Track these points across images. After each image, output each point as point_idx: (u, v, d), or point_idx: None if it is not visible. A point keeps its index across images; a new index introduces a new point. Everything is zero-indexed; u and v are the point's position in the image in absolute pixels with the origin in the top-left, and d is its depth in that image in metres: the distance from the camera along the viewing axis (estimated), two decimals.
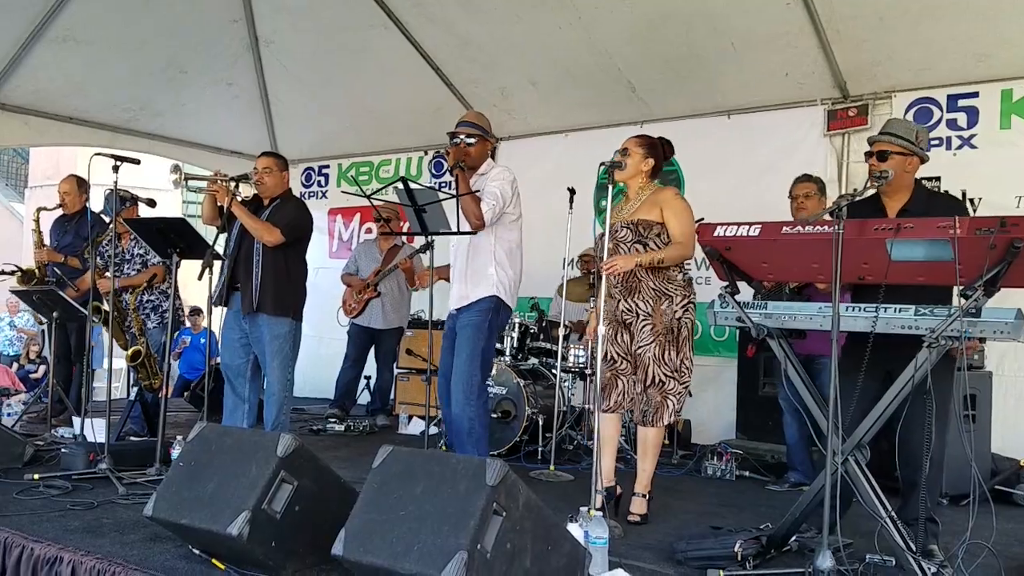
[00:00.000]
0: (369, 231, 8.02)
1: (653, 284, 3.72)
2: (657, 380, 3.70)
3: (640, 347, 3.72)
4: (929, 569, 2.71)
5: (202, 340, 10.19)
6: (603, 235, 3.57)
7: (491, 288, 4.03)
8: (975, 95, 5.23)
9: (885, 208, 3.31)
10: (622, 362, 3.80)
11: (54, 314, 5.10)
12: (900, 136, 3.20)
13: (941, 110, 5.34)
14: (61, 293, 5.08)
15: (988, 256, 2.55)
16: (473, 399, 3.97)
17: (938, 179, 5.16)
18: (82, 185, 5.92)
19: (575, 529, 2.77)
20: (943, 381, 2.88)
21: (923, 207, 3.16)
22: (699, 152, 6.19)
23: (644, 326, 3.72)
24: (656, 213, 3.73)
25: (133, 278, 5.37)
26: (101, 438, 4.18)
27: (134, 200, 5.39)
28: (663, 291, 3.72)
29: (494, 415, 5.17)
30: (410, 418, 6.41)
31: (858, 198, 3.01)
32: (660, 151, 3.90)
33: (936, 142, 5.26)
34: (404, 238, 6.60)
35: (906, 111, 5.44)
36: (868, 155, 3.31)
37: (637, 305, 3.74)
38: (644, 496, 3.76)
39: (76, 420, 4.83)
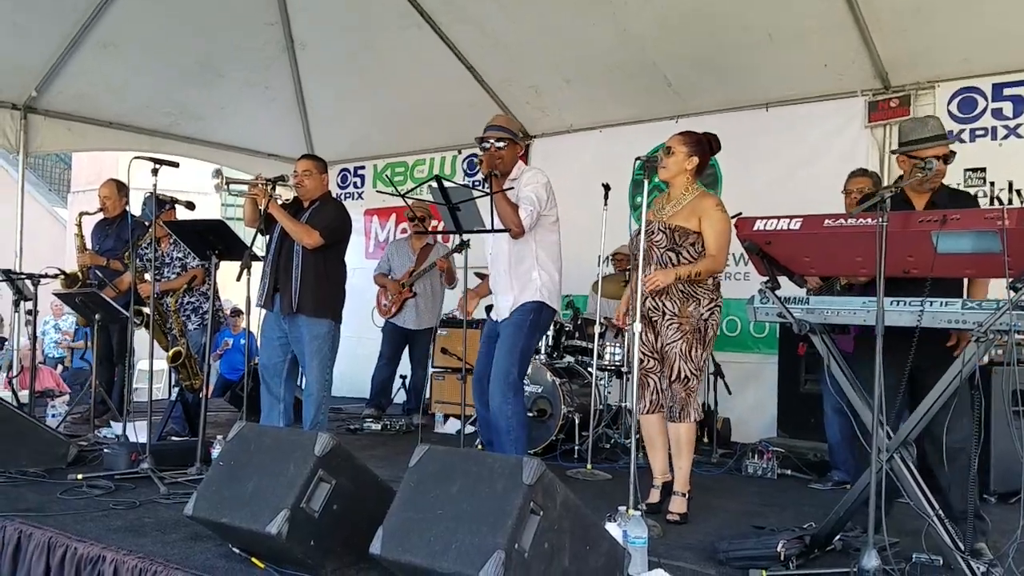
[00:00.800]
0: (404, 231, 8.05)
1: (681, 287, 3.71)
2: (683, 376, 3.69)
3: (667, 343, 3.72)
4: (978, 568, 2.64)
5: (242, 341, 10.31)
6: (639, 231, 3.55)
7: (535, 293, 4.04)
8: (1021, 83, 5.09)
9: (912, 204, 3.25)
10: (649, 360, 3.80)
11: (96, 316, 5.18)
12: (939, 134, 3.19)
13: (986, 99, 5.20)
14: (103, 295, 5.16)
15: None
16: (511, 396, 3.97)
17: (983, 170, 5.04)
18: (122, 189, 6.02)
19: (613, 529, 2.74)
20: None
21: (948, 202, 3.11)
22: (737, 146, 6.07)
23: (671, 324, 3.71)
24: (695, 222, 3.71)
25: (172, 282, 5.43)
26: (143, 438, 4.23)
27: (172, 203, 5.47)
28: (691, 294, 3.71)
29: (530, 414, 5.15)
30: (446, 417, 6.42)
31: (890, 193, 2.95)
32: (706, 148, 3.84)
33: (981, 132, 5.14)
34: (437, 237, 6.61)
35: (950, 101, 5.32)
36: (909, 155, 3.23)
37: (664, 304, 3.73)
38: (683, 495, 3.73)
39: (118, 422, 4.91)
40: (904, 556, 2.86)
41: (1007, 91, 5.13)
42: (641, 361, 3.78)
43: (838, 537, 3.12)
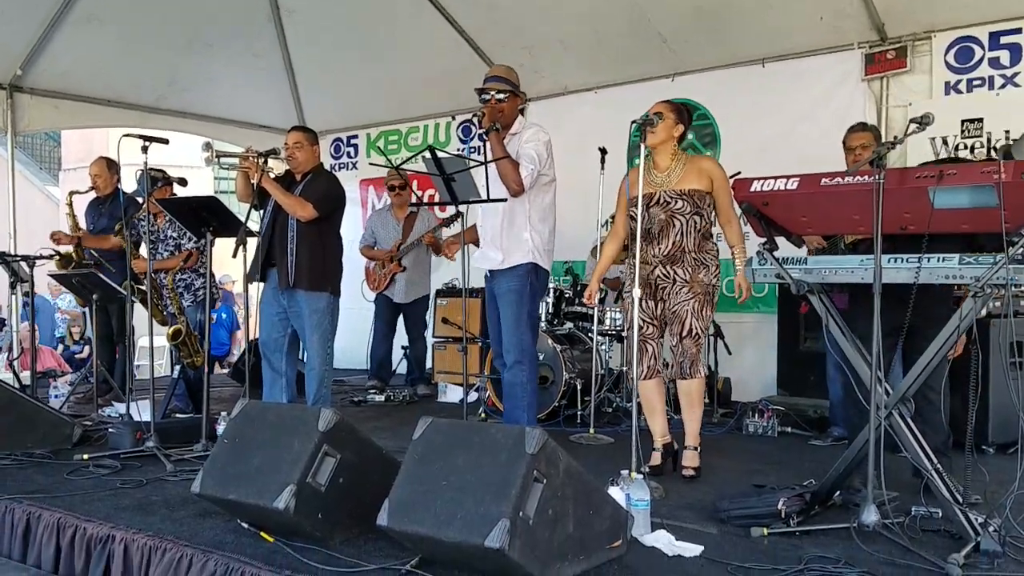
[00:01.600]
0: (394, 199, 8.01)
1: (695, 255, 3.77)
2: (694, 332, 3.77)
3: (677, 303, 3.77)
4: (976, 520, 2.67)
5: (223, 315, 10.34)
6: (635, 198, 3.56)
7: (527, 254, 4.03)
8: (1018, 31, 5.02)
9: None
10: (648, 327, 3.86)
11: (94, 296, 5.18)
12: None
13: (983, 48, 5.14)
14: (100, 275, 5.15)
15: None
16: (526, 363, 4.03)
17: (980, 120, 5.00)
18: (112, 166, 5.97)
19: (616, 492, 2.77)
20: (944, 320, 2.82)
21: None
22: (734, 102, 6.07)
23: (681, 288, 3.77)
24: (706, 182, 3.74)
25: (166, 261, 5.41)
26: (147, 417, 4.25)
27: (167, 180, 5.43)
28: (701, 261, 3.78)
29: None
30: (448, 387, 6.45)
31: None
32: (687, 118, 3.88)
33: (978, 82, 5.09)
34: (413, 201, 6.56)
35: (946, 51, 5.26)
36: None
37: (676, 272, 3.78)
38: (695, 448, 3.81)
39: (120, 401, 4.93)
40: (903, 510, 2.88)
41: (1004, 39, 5.07)
42: (640, 328, 3.82)
43: (838, 493, 3.15)
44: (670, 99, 3.95)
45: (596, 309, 5.17)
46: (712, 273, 3.78)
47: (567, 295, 5.64)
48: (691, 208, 3.73)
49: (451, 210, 5.95)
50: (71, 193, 5.94)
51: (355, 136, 8.64)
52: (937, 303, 3.20)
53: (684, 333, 3.76)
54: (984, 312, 2.72)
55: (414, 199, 6.47)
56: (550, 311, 5.58)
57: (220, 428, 3.92)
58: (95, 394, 5.36)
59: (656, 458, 3.88)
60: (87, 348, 10.40)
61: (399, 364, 6.84)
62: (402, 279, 6.41)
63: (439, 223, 6.34)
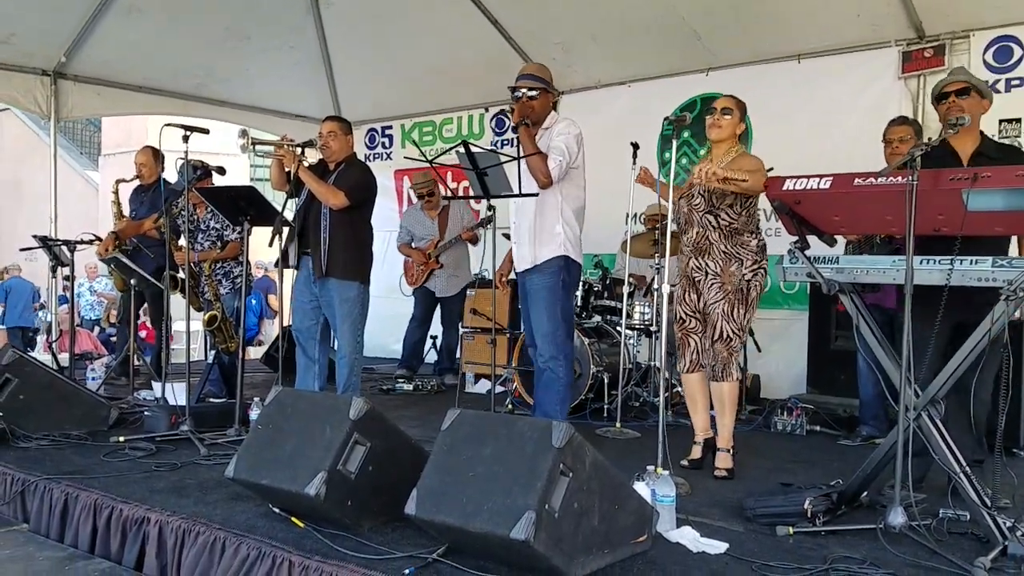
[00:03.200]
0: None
1: (724, 247, 3.75)
2: (725, 335, 3.75)
3: (710, 304, 3.78)
4: (1004, 523, 2.65)
5: (254, 301, 10.50)
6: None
7: (559, 248, 4.04)
8: None
9: (957, 153, 3.23)
10: (691, 320, 3.87)
11: (132, 281, 5.29)
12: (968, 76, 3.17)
13: (1022, 48, 5.06)
14: (131, 264, 5.25)
15: None
16: (561, 359, 4.06)
17: (1019, 121, 4.92)
18: (157, 156, 6.09)
19: (642, 487, 2.78)
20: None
21: (995, 152, 3.08)
22: (768, 99, 6.00)
23: (713, 284, 3.77)
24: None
25: (210, 252, 5.51)
26: (182, 400, 4.34)
27: (207, 170, 5.52)
28: (734, 254, 3.75)
29: None
30: (477, 377, 6.50)
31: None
32: (744, 113, 3.89)
33: (1017, 82, 5.02)
34: (446, 195, 6.63)
35: (985, 50, 5.19)
36: (940, 97, 3.30)
37: (707, 264, 3.79)
38: (728, 451, 3.81)
39: (157, 384, 5.04)
40: (931, 512, 2.87)
41: None
42: (683, 321, 3.88)
43: (865, 493, 3.14)
44: (735, 96, 3.89)
45: (624, 303, 5.17)
46: (747, 267, 3.72)
47: (596, 288, 5.65)
48: (705, 205, 3.75)
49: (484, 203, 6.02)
50: (118, 181, 6.06)
51: (389, 127, 8.70)
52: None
53: (716, 337, 3.77)
54: (1018, 315, 2.70)
55: (447, 193, 6.51)
56: (578, 304, 5.59)
57: (253, 413, 4.00)
58: (131, 377, 5.47)
59: (696, 452, 3.92)
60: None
61: (428, 353, 6.91)
62: (442, 275, 6.51)
63: (475, 218, 6.40)
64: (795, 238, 3.09)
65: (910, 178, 2.61)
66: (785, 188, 2.98)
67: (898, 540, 2.69)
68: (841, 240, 4.30)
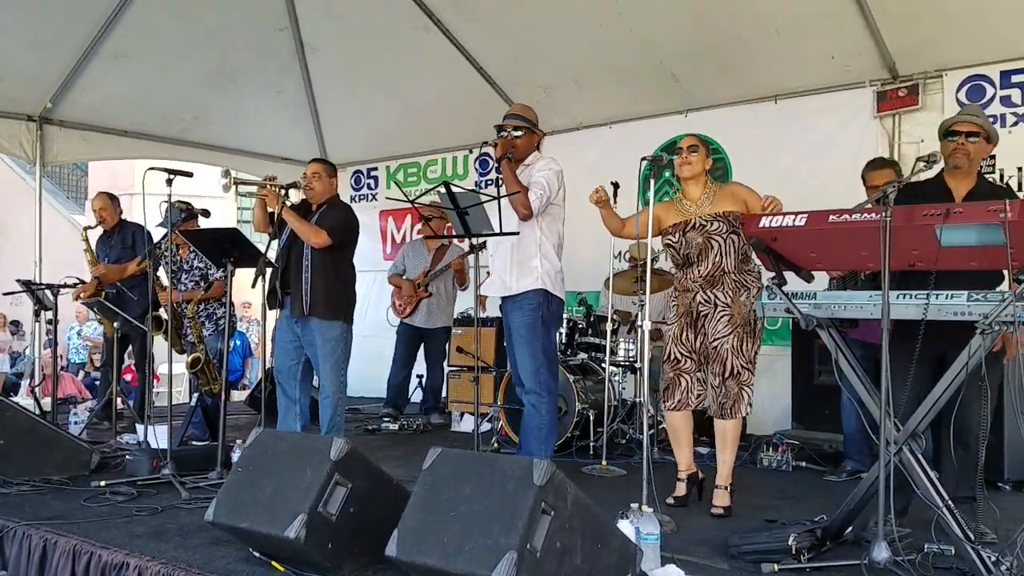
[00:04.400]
0: (420, 232, 8.11)
1: (735, 276, 3.77)
2: (735, 371, 3.73)
3: (717, 339, 3.74)
4: (989, 558, 2.65)
5: (238, 342, 10.47)
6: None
7: (536, 281, 4.06)
8: None
9: (951, 191, 3.29)
10: (685, 361, 3.85)
11: (115, 324, 5.28)
12: (982, 119, 3.27)
13: (994, 87, 5.17)
14: (112, 308, 5.25)
15: None
16: (544, 395, 4.05)
17: (993, 157, 5.00)
18: (114, 200, 6.20)
19: (626, 526, 2.77)
20: (989, 364, 2.82)
21: (989, 193, 3.14)
22: (746, 139, 6.12)
23: (722, 317, 3.74)
24: (740, 205, 3.77)
25: (191, 293, 5.51)
26: (164, 444, 4.31)
27: (192, 213, 5.54)
28: (742, 283, 3.77)
29: None
30: (463, 415, 6.47)
31: (917, 179, 3.03)
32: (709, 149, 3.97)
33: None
34: (430, 235, 6.65)
35: (958, 89, 5.30)
36: (948, 135, 3.31)
37: (716, 296, 3.77)
38: (726, 488, 3.79)
39: (139, 427, 4.99)
40: (915, 547, 2.87)
41: (1015, 78, 5.10)
42: (677, 361, 3.85)
43: (849, 529, 3.14)
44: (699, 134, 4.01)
45: (609, 340, 5.19)
46: (755, 295, 3.71)
47: (580, 326, 5.67)
48: (727, 228, 3.74)
49: (478, 240, 6.06)
50: (86, 228, 6.09)
51: (375, 168, 8.77)
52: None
53: (727, 375, 3.72)
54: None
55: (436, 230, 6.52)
56: (563, 341, 5.60)
57: (236, 456, 3.96)
58: (114, 421, 5.42)
59: (681, 488, 3.91)
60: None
61: (414, 392, 6.88)
62: (425, 305, 6.51)
63: (467, 251, 6.42)
64: (773, 274, 3.13)
65: (884, 214, 2.66)
66: (761, 225, 3.02)
67: None
68: (826, 276, 4.38)
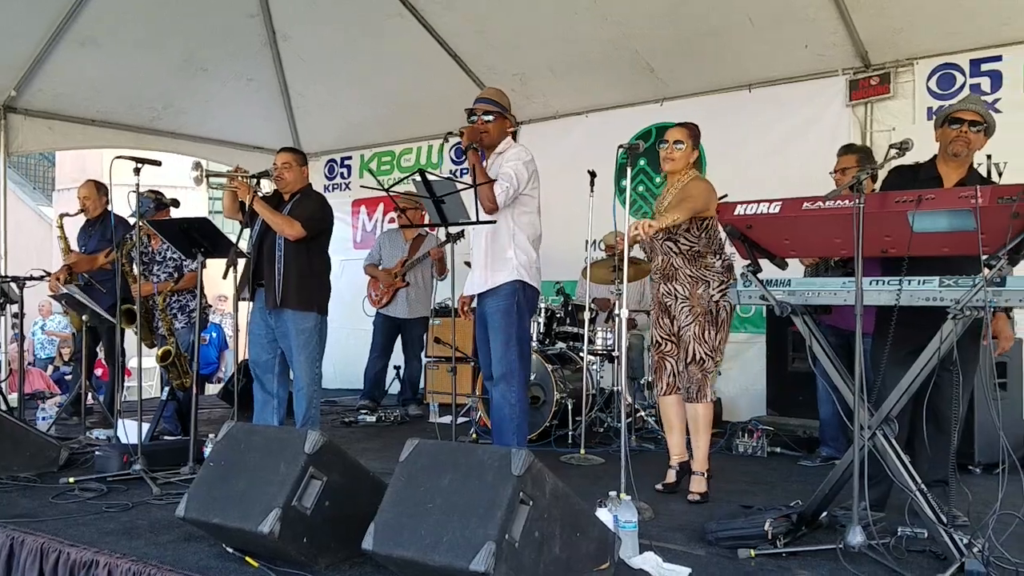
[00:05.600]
0: (393, 221, 8.05)
1: (690, 271, 3.82)
2: (698, 357, 3.81)
3: (682, 327, 3.84)
4: (961, 540, 2.68)
5: (213, 334, 10.34)
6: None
7: (512, 272, 4.01)
8: (998, 59, 5.12)
9: (941, 177, 3.30)
10: (666, 344, 3.94)
11: (83, 317, 5.18)
12: (984, 110, 3.27)
13: (964, 75, 5.23)
14: (83, 299, 5.15)
15: (1011, 225, 2.50)
16: (515, 385, 4.01)
17: None
18: (101, 189, 6.01)
19: (604, 514, 2.78)
20: (967, 349, 2.84)
21: (976, 183, 3.15)
22: (720, 127, 6.11)
23: (682, 308, 3.84)
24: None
25: (164, 283, 5.42)
26: (134, 439, 4.24)
27: (161, 203, 5.45)
28: (699, 277, 3.82)
29: None
30: (442, 408, 6.44)
31: (901, 163, 3.04)
32: (699, 139, 3.97)
33: None
34: (406, 224, 6.60)
35: (929, 78, 5.35)
36: (951, 121, 3.29)
37: (676, 289, 3.87)
38: (703, 475, 3.83)
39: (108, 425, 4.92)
40: (889, 530, 2.90)
41: (984, 66, 5.16)
42: (659, 344, 3.95)
43: (824, 513, 3.16)
44: (690, 123, 3.96)
45: (587, 329, 5.19)
46: (714, 288, 3.77)
47: (558, 315, 5.66)
48: (663, 234, 3.80)
49: (455, 229, 6.02)
50: (62, 216, 5.96)
51: (348, 157, 8.70)
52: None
53: (689, 359, 3.82)
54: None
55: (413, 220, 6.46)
56: (541, 331, 5.59)
57: (208, 451, 3.91)
58: (83, 416, 5.33)
59: (671, 476, 3.95)
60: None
61: (391, 384, 6.84)
62: (403, 295, 6.45)
63: (444, 241, 6.38)
64: (748, 262, 3.14)
65: (857, 201, 2.67)
66: (736, 213, 3.02)
67: (858, 559, 2.71)
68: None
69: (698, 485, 3.80)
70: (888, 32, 5.32)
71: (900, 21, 5.21)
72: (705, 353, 3.79)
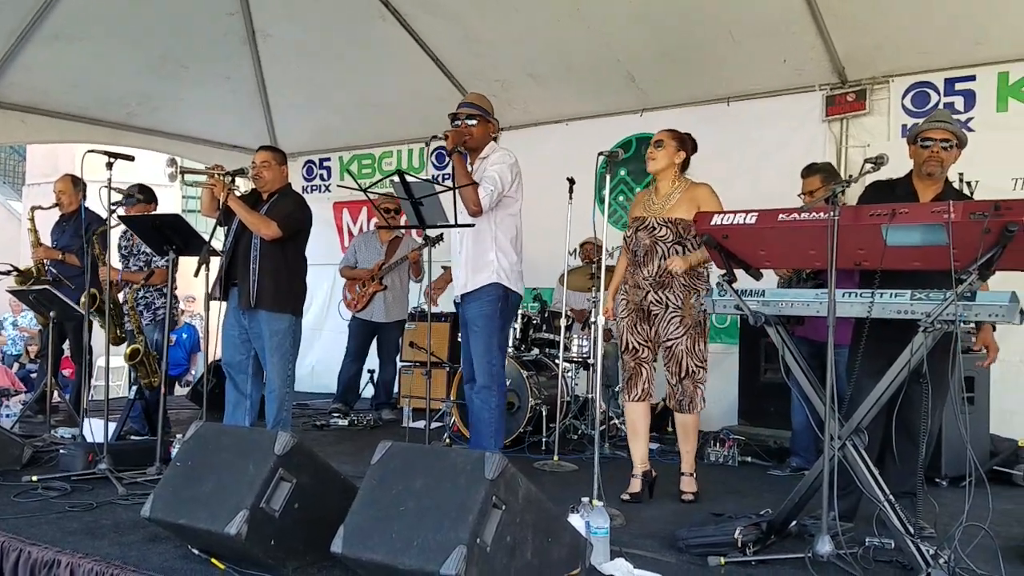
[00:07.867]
0: (378, 223, 7.99)
1: (684, 281, 3.85)
2: (691, 371, 3.85)
3: (671, 340, 3.85)
4: (927, 551, 2.71)
5: (184, 335, 10.20)
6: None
7: (492, 275, 4.03)
8: (972, 79, 5.21)
9: (917, 193, 3.34)
10: (643, 350, 3.94)
11: (51, 313, 5.10)
12: (954, 126, 3.32)
13: (939, 94, 5.32)
14: (56, 292, 5.06)
15: (983, 240, 2.54)
16: (495, 388, 4.04)
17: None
18: (77, 183, 5.91)
19: (576, 520, 2.78)
20: (941, 362, 2.87)
21: (953, 199, 3.18)
22: (699, 138, 6.08)
23: (673, 318, 3.84)
24: (695, 212, 3.74)
25: (133, 273, 5.35)
26: (100, 438, 4.16)
27: (135, 197, 5.36)
28: (692, 287, 3.85)
29: None
30: (415, 411, 6.41)
31: (877, 178, 3.08)
32: (689, 145, 4.01)
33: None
34: (384, 225, 6.56)
35: (904, 95, 5.44)
36: (922, 140, 3.33)
37: (668, 298, 3.86)
38: (692, 475, 3.93)
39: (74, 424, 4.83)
40: (858, 540, 2.92)
41: (958, 86, 5.25)
42: (636, 350, 3.94)
43: (794, 523, 3.18)
44: (675, 128, 4.05)
45: (563, 336, 5.20)
46: (704, 297, 3.79)
47: (535, 321, 5.66)
48: (673, 237, 3.83)
49: (434, 233, 5.99)
50: (33, 208, 5.86)
51: (328, 159, 8.63)
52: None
53: (683, 374, 3.86)
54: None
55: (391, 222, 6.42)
56: (517, 337, 5.59)
57: (175, 451, 3.85)
58: (48, 414, 5.23)
59: (635, 485, 3.95)
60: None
61: (365, 388, 6.79)
62: (380, 299, 6.40)
63: (422, 244, 6.35)
64: (723, 271, 3.16)
65: (832, 213, 2.69)
66: (713, 223, 3.05)
67: (825, 568, 2.74)
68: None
69: (690, 485, 3.94)
70: (865, 49, 5.40)
71: (877, 39, 5.30)
72: (696, 365, 3.86)
